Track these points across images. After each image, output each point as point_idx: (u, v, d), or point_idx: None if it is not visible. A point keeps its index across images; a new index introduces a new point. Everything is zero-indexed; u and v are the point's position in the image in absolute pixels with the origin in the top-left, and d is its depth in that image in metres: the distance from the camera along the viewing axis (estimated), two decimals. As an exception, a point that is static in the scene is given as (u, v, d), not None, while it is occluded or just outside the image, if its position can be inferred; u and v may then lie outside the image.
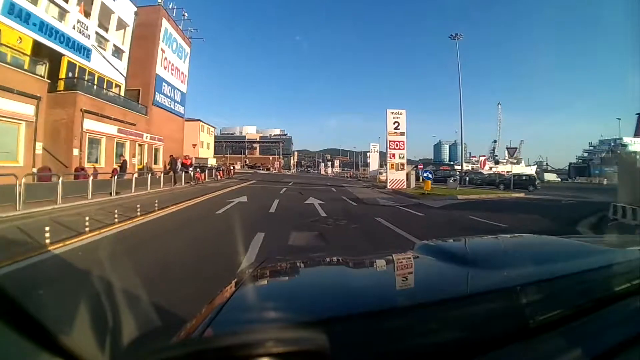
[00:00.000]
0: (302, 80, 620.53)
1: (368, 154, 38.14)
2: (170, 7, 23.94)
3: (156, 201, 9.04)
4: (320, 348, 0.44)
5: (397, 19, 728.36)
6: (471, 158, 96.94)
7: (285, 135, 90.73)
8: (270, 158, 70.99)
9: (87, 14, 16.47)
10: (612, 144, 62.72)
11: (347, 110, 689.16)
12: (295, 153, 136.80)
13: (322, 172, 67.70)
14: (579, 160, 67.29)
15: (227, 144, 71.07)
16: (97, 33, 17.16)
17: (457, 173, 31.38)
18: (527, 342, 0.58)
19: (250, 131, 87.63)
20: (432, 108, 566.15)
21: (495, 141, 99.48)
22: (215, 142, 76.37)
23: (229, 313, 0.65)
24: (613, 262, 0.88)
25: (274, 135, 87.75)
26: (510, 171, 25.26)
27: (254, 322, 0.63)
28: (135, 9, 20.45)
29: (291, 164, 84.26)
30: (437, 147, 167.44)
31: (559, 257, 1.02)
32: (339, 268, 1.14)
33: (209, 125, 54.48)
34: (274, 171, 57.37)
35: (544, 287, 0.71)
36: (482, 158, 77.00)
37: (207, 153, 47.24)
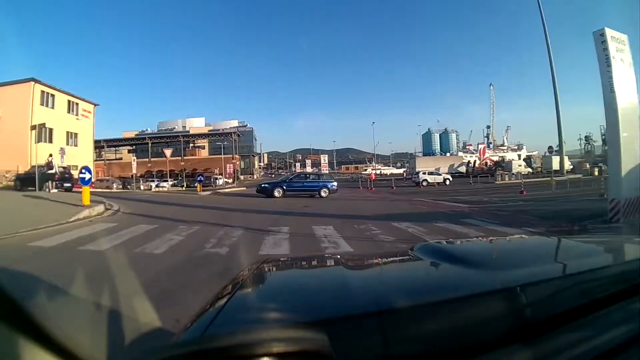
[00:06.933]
0: (269, 79, 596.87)
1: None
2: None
3: None
4: (320, 348, 0.44)
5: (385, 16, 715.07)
6: (467, 147, 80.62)
7: (245, 127, 66.23)
8: (194, 156, 45.91)
9: None
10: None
11: (316, 109, 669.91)
12: (265, 155, 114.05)
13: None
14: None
15: (155, 143, 47.10)
16: None
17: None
18: (527, 342, 0.58)
19: (196, 124, 63.92)
20: (411, 99, 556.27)
21: (489, 126, 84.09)
22: (139, 139, 52.28)
23: (229, 313, 0.65)
24: (613, 262, 0.86)
25: (230, 127, 63.30)
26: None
27: (254, 322, 0.62)
28: None
29: (255, 166, 61.14)
30: (427, 137, 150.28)
31: (559, 257, 1.03)
32: (338, 268, 1.13)
33: (78, 98, 27.38)
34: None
35: (543, 287, 0.71)
36: (481, 146, 60.12)
37: (73, 157, 20.98)
